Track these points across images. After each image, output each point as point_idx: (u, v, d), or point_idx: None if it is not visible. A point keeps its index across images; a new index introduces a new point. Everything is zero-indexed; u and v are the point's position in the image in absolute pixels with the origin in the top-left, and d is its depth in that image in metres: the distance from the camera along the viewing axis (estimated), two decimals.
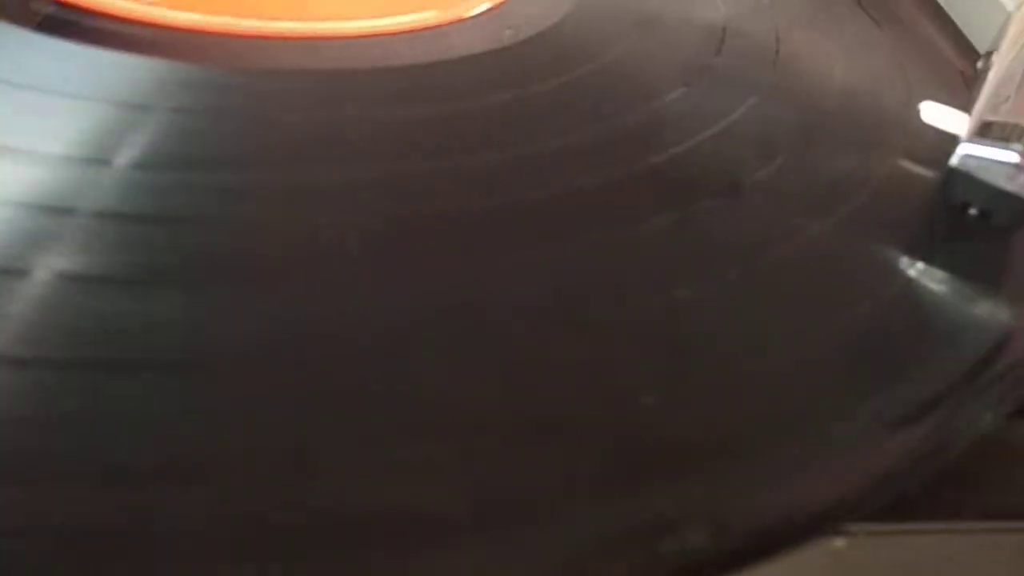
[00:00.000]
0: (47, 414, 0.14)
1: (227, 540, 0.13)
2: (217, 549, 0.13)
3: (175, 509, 0.13)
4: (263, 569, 0.13)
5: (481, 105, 0.21)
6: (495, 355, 0.16)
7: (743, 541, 0.14)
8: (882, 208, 0.20)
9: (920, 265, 0.19)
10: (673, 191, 0.20)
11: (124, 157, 0.18)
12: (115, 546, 0.13)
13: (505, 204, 0.19)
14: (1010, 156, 0.19)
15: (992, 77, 0.23)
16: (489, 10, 0.24)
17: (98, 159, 0.18)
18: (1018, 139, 0.19)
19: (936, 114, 0.23)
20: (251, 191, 0.18)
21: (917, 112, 0.24)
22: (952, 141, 0.20)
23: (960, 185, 0.20)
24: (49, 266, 0.16)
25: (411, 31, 0.23)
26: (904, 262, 0.19)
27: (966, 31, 0.29)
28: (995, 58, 0.24)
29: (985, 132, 0.20)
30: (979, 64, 0.25)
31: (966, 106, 0.22)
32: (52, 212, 0.17)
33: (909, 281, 0.19)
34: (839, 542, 0.15)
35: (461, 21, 0.24)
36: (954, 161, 0.20)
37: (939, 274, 0.19)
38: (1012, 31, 0.25)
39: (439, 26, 0.23)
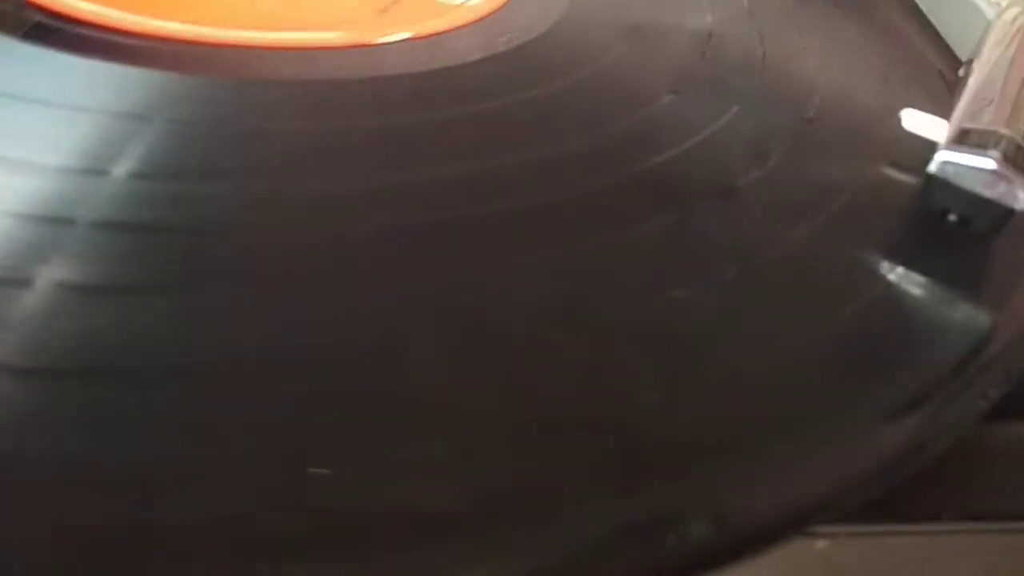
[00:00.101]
0: (48, 421, 0.14)
1: (227, 540, 0.13)
2: (217, 549, 0.13)
3: (175, 510, 0.13)
4: (263, 569, 0.13)
5: (475, 112, 0.21)
6: (495, 355, 0.16)
7: (742, 538, 0.15)
8: (864, 213, 0.21)
9: (901, 270, 0.19)
10: (662, 196, 0.20)
11: (122, 167, 0.18)
12: (116, 547, 0.13)
13: (503, 208, 0.19)
14: (987, 163, 0.19)
15: (972, 84, 0.23)
16: (472, 22, 0.24)
17: (96, 169, 0.18)
18: (995, 146, 0.19)
19: (918, 121, 0.24)
20: (248, 200, 0.18)
21: (899, 119, 0.24)
22: (933, 148, 0.20)
23: (939, 192, 0.20)
24: (48, 276, 0.16)
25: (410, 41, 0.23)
26: (885, 267, 0.19)
27: (948, 39, 0.29)
28: (975, 65, 0.24)
29: (964, 139, 0.20)
30: (960, 72, 0.25)
31: (948, 113, 0.22)
32: (51, 222, 0.17)
33: (890, 285, 0.19)
34: (820, 543, 0.16)
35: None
36: (933, 168, 0.20)
37: (920, 278, 0.19)
38: (992, 39, 0.25)
39: (431, 35, 0.23)
